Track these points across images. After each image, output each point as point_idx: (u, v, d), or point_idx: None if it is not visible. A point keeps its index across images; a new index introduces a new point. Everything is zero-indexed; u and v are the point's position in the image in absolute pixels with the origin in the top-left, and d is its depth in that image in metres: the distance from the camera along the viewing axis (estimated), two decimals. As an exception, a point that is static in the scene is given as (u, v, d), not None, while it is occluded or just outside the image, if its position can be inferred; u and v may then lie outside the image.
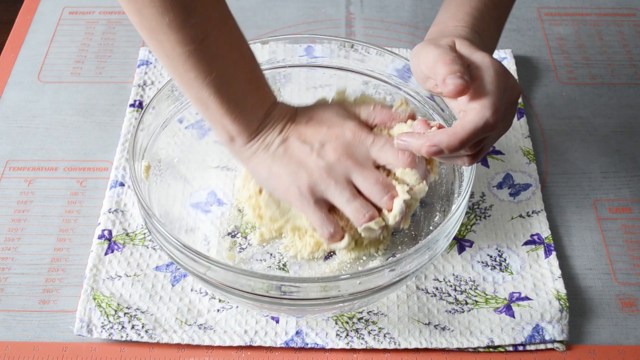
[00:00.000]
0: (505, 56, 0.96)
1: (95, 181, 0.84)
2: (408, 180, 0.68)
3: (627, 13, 1.05)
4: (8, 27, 1.03)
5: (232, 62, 0.65)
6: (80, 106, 0.92)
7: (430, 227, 0.76)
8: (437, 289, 0.74)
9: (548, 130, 0.90)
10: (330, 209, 0.70)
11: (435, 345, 0.70)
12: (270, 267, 0.75)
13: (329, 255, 0.75)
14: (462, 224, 0.79)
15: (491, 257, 0.77)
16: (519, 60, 0.97)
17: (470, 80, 0.59)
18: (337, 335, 0.71)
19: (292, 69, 0.82)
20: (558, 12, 1.05)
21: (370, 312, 0.72)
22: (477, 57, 0.62)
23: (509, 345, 0.71)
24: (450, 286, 0.74)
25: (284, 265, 0.75)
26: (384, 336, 0.71)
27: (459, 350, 0.71)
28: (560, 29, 1.03)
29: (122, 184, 0.82)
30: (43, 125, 0.90)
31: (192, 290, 0.74)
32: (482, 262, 0.76)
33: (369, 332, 0.71)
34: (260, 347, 0.71)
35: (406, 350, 0.71)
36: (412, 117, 0.71)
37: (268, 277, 0.63)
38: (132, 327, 0.71)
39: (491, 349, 0.71)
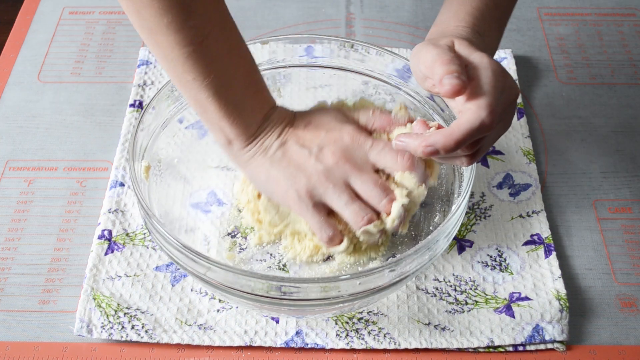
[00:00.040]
0: (505, 56, 0.96)
1: (95, 181, 0.84)
2: (407, 183, 0.68)
3: (627, 13, 1.05)
4: (8, 27, 1.03)
5: (231, 64, 0.65)
6: (80, 106, 0.92)
7: (430, 228, 0.76)
8: (437, 289, 0.74)
9: (548, 130, 0.90)
10: (329, 213, 0.69)
11: (435, 345, 0.70)
12: (270, 267, 0.75)
13: (328, 257, 0.75)
14: (462, 224, 0.79)
15: (491, 257, 0.77)
16: (519, 60, 0.97)
17: (467, 81, 0.59)
18: (337, 335, 0.71)
19: (292, 69, 0.82)
20: (558, 12, 1.05)
21: (370, 312, 0.72)
22: (475, 57, 0.62)
23: (509, 346, 0.71)
24: (450, 286, 0.74)
25: (284, 265, 0.75)
26: (384, 336, 0.71)
27: (459, 350, 0.71)
28: (560, 29, 1.03)
29: (122, 184, 0.82)
30: (43, 125, 0.90)
31: (192, 290, 0.74)
32: (482, 262, 0.76)
33: (369, 332, 0.71)
34: (260, 347, 0.71)
35: (406, 350, 0.71)
36: (411, 122, 0.71)
37: (268, 277, 0.63)
38: (132, 327, 0.71)
39: (491, 349, 0.71)
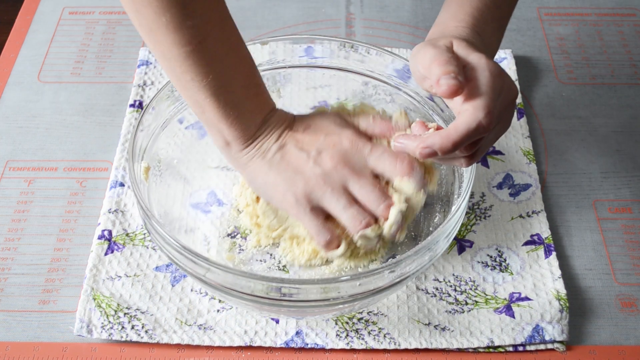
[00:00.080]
0: (505, 56, 0.96)
1: (95, 181, 0.84)
2: (405, 189, 0.67)
3: (627, 13, 1.05)
4: (8, 27, 1.03)
5: (230, 65, 0.65)
6: (80, 106, 0.92)
7: (430, 229, 0.76)
8: (437, 289, 0.74)
9: (548, 130, 0.90)
10: (327, 217, 0.69)
11: (435, 345, 0.70)
12: (270, 267, 0.75)
13: (327, 261, 0.75)
14: (462, 224, 0.79)
15: (491, 257, 0.77)
16: (519, 60, 0.97)
17: (464, 81, 0.59)
18: (337, 335, 0.71)
19: (292, 70, 0.82)
20: (558, 12, 1.05)
21: (371, 312, 0.72)
22: (473, 58, 0.62)
23: (509, 346, 0.71)
24: (450, 286, 0.74)
25: (284, 266, 0.75)
26: (384, 336, 0.71)
27: (459, 350, 0.71)
28: (560, 29, 1.03)
29: (122, 184, 0.82)
30: (43, 125, 0.90)
31: (192, 290, 0.74)
32: (482, 263, 0.76)
33: (369, 333, 0.71)
34: (260, 348, 0.71)
35: (406, 350, 0.71)
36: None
37: (267, 278, 0.63)
38: (132, 328, 0.71)
39: (491, 349, 0.71)
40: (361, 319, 0.72)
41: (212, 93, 0.64)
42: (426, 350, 0.71)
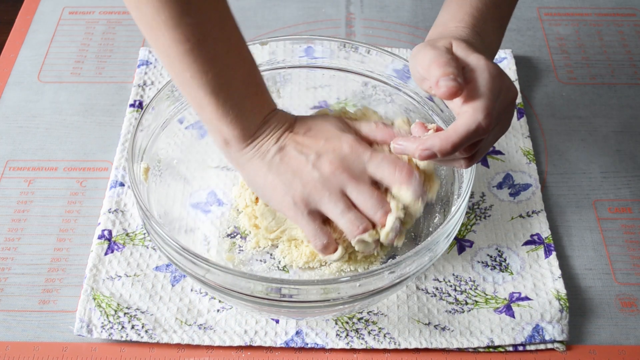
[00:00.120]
0: (505, 56, 0.96)
1: (95, 181, 0.84)
2: (403, 198, 0.67)
3: (627, 13, 1.05)
4: (8, 27, 1.03)
5: (230, 65, 0.64)
6: (80, 106, 0.92)
7: (430, 229, 0.76)
8: (437, 289, 0.74)
9: (548, 130, 0.90)
10: (325, 221, 0.69)
11: (435, 345, 0.70)
12: (270, 268, 0.75)
13: (325, 262, 0.75)
14: (462, 224, 0.79)
15: (491, 257, 0.77)
16: (519, 60, 0.97)
17: (463, 83, 0.59)
18: (337, 335, 0.71)
19: (292, 70, 0.82)
20: (558, 12, 1.05)
21: (371, 312, 0.72)
22: (472, 59, 0.62)
23: (509, 346, 0.71)
24: (450, 286, 0.74)
25: (284, 266, 0.75)
26: (384, 336, 0.71)
27: (459, 350, 0.71)
28: (560, 29, 1.03)
29: (122, 184, 0.82)
30: (43, 125, 0.90)
31: (192, 290, 0.74)
32: (482, 262, 0.76)
33: (369, 332, 0.71)
34: (260, 347, 0.71)
35: (406, 350, 0.71)
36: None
37: (267, 279, 0.63)
38: (132, 327, 0.71)
39: (491, 349, 0.71)
40: (361, 318, 0.72)
41: (211, 91, 0.64)
42: (426, 350, 0.71)
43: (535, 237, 0.78)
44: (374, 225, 0.67)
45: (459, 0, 0.69)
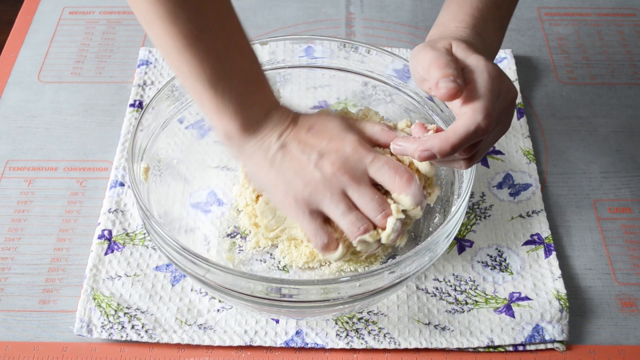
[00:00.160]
0: (505, 56, 0.96)
1: (95, 181, 0.84)
2: (402, 203, 0.67)
3: (627, 13, 1.05)
4: (8, 27, 1.03)
5: (229, 60, 0.64)
6: (80, 106, 0.92)
7: (430, 229, 0.76)
8: (437, 289, 0.74)
9: (548, 130, 0.90)
10: (326, 221, 0.69)
11: (435, 345, 0.70)
12: (270, 268, 0.75)
13: (325, 262, 0.75)
14: (462, 224, 0.79)
15: (491, 257, 0.77)
16: (519, 60, 0.97)
17: (463, 84, 0.59)
18: (337, 335, 0.71)
19: (292, 70, 0.82)
20: (558, 12, 1.05)
21: (371, 312, 0.72)
22: (472, 60, 0.62)
23: (509, 345, 0.71)
24: (450, 286, 0.74)
25: (284, 266, 0.75)
26: (384, 336, 0.71)
27: (459, 350, 0.71)
28: (560, 29, 1.03)
29: (122, 184, 0.82)
30: (43, 125, 0.90)
31: (192, 290, 0.74)
32: (482, 262, 0.76)
33: (369, 332, 0.71)
34: (260, 347, 0.71)
35: (406, 350, 0.71)
36: None
37: (267, 279, 0.63)
38: (132, 327, 0.71)
39: (491, 349, 0.71)
40: (361, 318, 0.72)
41: (209, 86, 0.64)
42: (426, 350, 0.71)
43: (535, 237, 0.78)
44: (375, 226, 0.67)
45: (460, 0, 0.69)
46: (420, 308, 0.73)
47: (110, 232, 0.78)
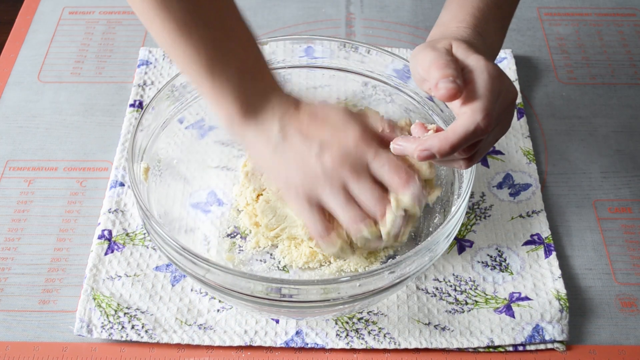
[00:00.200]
0: (505, 56, 0.96)
1: (95, 181, 0.84)
2: (402, 201, 0.67)
3: (627, 13, 1.05)
4: (8, 27, 1.03)
5: (225, 48, 0.64)
6: (80, 106, 0.92)
7: (430, 229, 0.76)
8: (437, 289, 0.74)
9: (548, 130, 0.90)
10: (326, 215, 0.68)
11: (435, 345, 0.70)
12: (270, 268, 0.75)
13: (325, 262, 0.75)
14: (462, 224, 0.79)
15: (491, 257, 0.77)
16: (519, 60, 0.97)
17: (462, 84, 0.59)
18: (337, 335, 0.71)
19: (292, 70, 0.82)
20: (558, 12, 1.05)
21: (371, 312, 0.72)
22: (472, 60, 0.61)
23: (509, 346, 0.71)
24: (450, 286, 0.74)
25: (284, 266, 0.75)
26: (384, 336, 0.71)
27: (459, 350, 0.71)
28: (560, 29, 1.03)
29: (122, 184, 0.82)
30: (43, 125, 0.90)
31: (192, 290, 0.74)
32: (482, 262, 0.76)
33: (369, 332, 0.71)
34: (260, 347, 0.71)
35: (406, 350, 0.71)
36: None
37: (267, 279, 0.63)
38: (132, 327, 0.71)
39: (491, 349, 0.71)
40: (361, 318, 0.72)
41: (205, 73, 0.64)
42: (426, 350, 0.71)
43: (535, 237, 0.78)
44: (375, 222, 0.67)
45: (461, 0, 0.69)
46: (420, 308, 0.73)
47: (110, 232, 0.78)
